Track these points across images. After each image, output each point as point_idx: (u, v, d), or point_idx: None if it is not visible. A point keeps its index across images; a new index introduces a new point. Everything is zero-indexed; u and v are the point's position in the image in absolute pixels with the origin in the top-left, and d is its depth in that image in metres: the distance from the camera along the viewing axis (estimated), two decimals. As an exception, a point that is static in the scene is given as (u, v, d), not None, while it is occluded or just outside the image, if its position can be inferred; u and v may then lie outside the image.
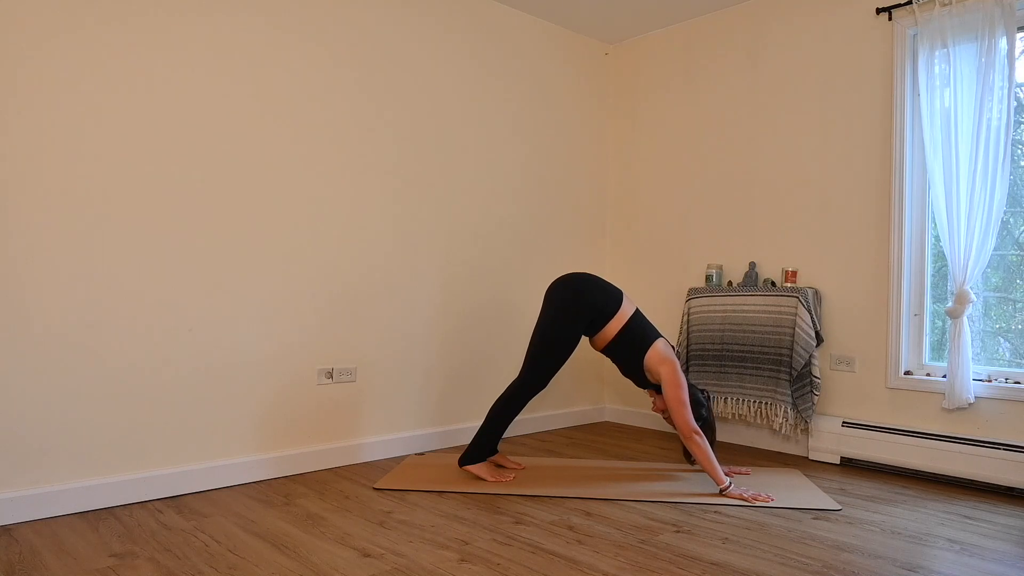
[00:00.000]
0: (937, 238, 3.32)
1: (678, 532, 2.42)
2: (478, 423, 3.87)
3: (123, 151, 2.69)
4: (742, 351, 3.67)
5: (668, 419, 3.12)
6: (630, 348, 3.03)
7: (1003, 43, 2.98)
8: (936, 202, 3.14)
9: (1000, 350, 3.18)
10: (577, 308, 3.00)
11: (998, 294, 3.19)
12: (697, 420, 2.95)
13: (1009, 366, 3.14)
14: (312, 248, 3.21)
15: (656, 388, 3.09)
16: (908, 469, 3.20)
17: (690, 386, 3.03)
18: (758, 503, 2.73)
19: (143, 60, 2.73)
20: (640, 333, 3.04)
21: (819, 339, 3.49)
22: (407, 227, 3.57)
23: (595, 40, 4.52)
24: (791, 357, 3.47)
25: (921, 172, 3.34)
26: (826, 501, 2.78)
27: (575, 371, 4.42)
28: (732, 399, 3.70)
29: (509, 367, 4.04)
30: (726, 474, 2.94)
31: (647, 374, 3.05)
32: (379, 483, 2.95)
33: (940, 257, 3.32)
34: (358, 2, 3.36)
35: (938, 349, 3.33)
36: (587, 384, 4.51)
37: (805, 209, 3.68)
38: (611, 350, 3.07)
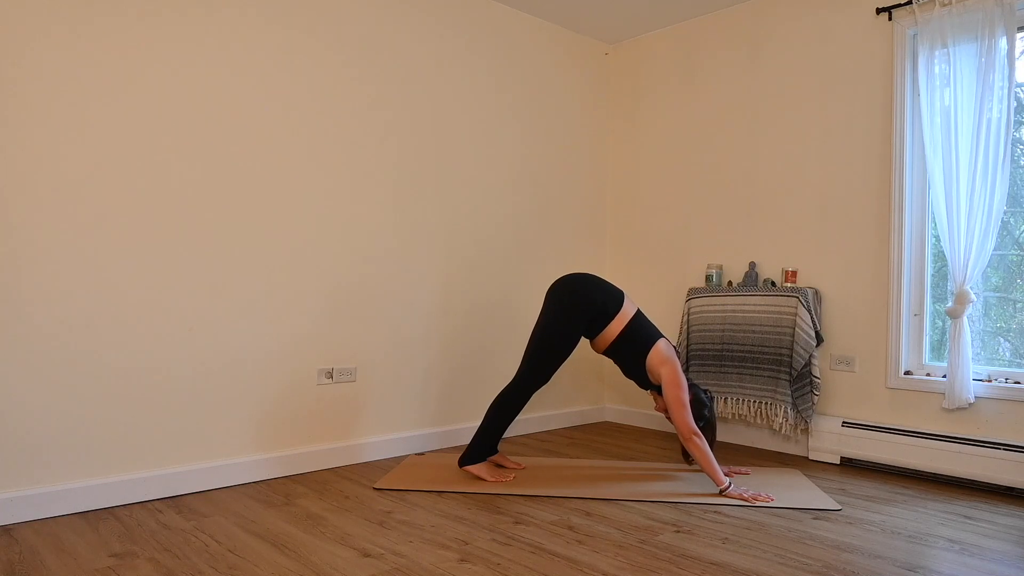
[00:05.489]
0: (937, 238, 3.32)
1: (678, 532, 2.42)
2: (478, 423, 3.87)
3: (122, 151, 2.69)
4: (742, 351, 3.67)
5: (670, 419, 3.11)
6: (632, 349, 3.03)
7: (1003, 43, 2.98)
8: (936, 202, 3.14)
9: (1000, 350, 3.18)
10: (578, 308, 2.99)
11: (998, 294, 3.19)
12: (699, 420, 2.95)
13: (1009, 366, 3.14)
14: (312, 248, 3.21)
15: (658, 389, 3.09)
16: (908, 469, 3.19)
17: (693, 385, 3.03)
18: (758, 503, 2.73)
19: (143, 59, 2.73)
20: (642, 334, 3.03)
21: (819, 339, 3.49)
22: (407, 227, 3.57)
23: (595, 40, 4.52)
24: (791, 357, 3.47)
25: (921, 172, 3.34)
26: (826, 501, 2.78)
27: (575, 371, 4.42)
28: (732, 399, 3.70)
29: (509, 367, 4.03)
30: (726, 474, 2.94)
31: (649, 375, 3.04)
32: (379, 483, 2.95)
33: (940, 257, 3.32)
34: (358, 0, 3.36)
35: (938, 349, 3.33)
36: (587, 384, 4.51)
37: (805, 209, 3.68)
38: (613, 351, 3.07)
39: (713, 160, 4.08)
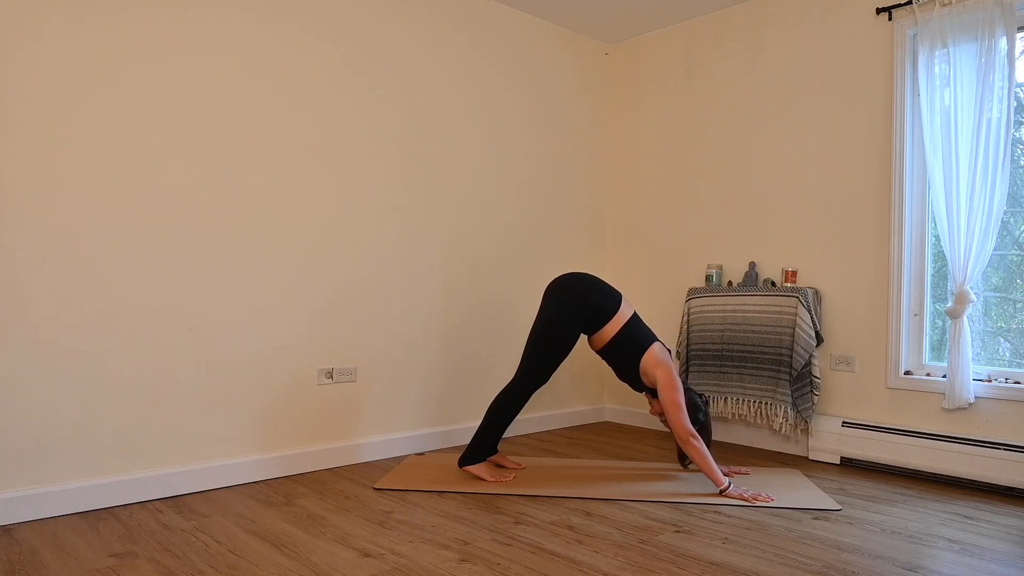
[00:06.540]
0: (937, 238, 3.32)
1: (678, 532, 2.42)
2: (478, 423, 3.87)
3: (122, 151, 2.69)
4: (742, 351, 3.67)
5: (665, 422, 3.12)
6: (627, 351, 3.03)
7: (1003, 43, 2.98)
8: (936, 202, 3.14)
9: (1000, 350, 3.18)
10: (576, 307, 2.99)
11: (998, 294, 3.19)
12: (694, 423, 2.95)
13: (1009, 366, 3.14)
14: (313, 248, 3.21)
15: (652, 392, 3.09)
16: (908, 469, 3.19)
17: (687, 390, 3.03)
18: (758, 503, 2.73)
19: (145, 58, 2.73)
20: (637, 336, 3.03)
21: (819, 339, 3.49)
22: (408, 227, 3.57)
23: (595, 40, 4.52)
24: (791, 357, 3.47)
25: (921, 172, 3.34)
26: (826, 501, 2.78)
27: (575, 371, 4.42)
28: (732, 399, 3.70)
29: (509, 367, 4.03)
30: (725, 474, 2.94)
31: (643, 377, 3.04)
32: (379, 483, 2.95)
33: (940, 257, 3.32)
34: (360, 1, 3.36)
35: (938, 349, 3.33)
36: (587, 384, 4.51)
37: (805, 209, 3.68)
38: (608, 352, 3.07)
39: (713, 160, 4.08)
